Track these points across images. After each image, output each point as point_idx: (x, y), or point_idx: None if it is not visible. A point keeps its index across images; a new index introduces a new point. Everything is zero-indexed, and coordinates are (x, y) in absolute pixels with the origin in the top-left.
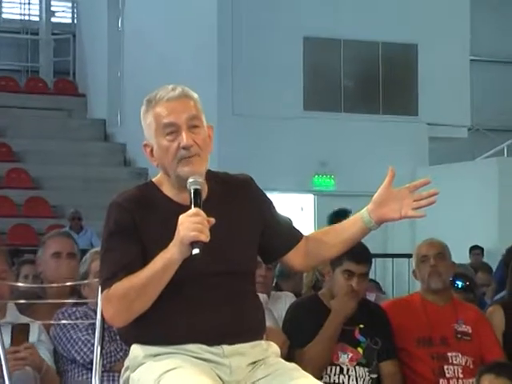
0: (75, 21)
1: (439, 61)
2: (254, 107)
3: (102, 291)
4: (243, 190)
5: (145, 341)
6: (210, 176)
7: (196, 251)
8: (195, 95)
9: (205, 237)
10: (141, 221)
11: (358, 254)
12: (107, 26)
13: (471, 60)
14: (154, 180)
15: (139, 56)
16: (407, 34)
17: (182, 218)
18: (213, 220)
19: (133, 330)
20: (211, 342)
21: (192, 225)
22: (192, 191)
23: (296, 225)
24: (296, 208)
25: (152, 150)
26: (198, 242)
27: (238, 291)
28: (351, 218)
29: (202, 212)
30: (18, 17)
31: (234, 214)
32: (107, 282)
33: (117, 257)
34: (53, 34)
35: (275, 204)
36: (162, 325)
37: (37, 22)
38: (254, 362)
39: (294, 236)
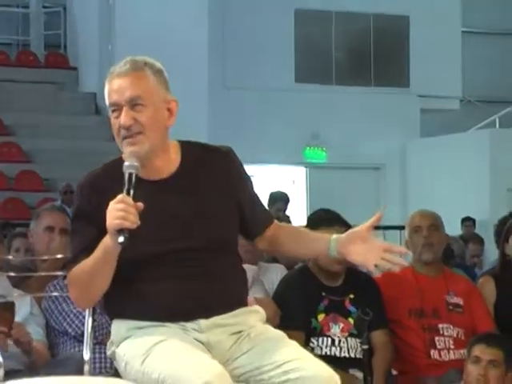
0: None
1: (431, 32)
2: (244, 80)
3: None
4: (222, 162)
5: (125, 316)
6: (186, 148)
7: (121, 239)
8: (152, 68)
9: (129, 223)
10: (99, 204)
11: (325, 218)
12: None
13: (462, 31)
14: (122, 155)
15: (130, 29)
16: (399, 5)
17: (110, 205)
18: (141, 205)
19: (112, 306)
20: (187, 317)
21: (116, 212)
22: (126, 176)
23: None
24: (287, 180)
25: None
26: (124, 229)
27: (212, 264)
28: (323, 236)
29: (127, 198)
30: None
31: (209, 186)
32: (68, 265)
33: (78, 240)
34: (43, 6)
35: (259, 178)
36: (140, 302)
37: None
38: (239, 332)
39: (267, 220)
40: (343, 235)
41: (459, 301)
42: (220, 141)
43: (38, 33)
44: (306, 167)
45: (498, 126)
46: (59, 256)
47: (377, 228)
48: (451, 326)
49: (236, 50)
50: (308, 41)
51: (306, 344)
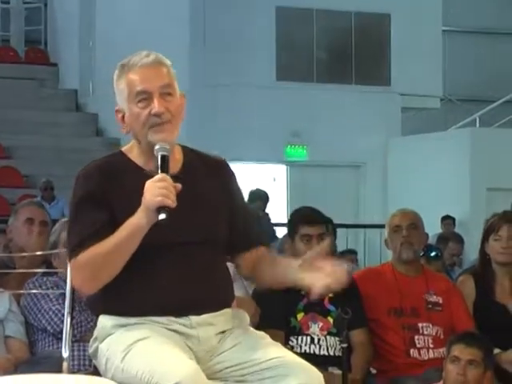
0: None
1: (412, 31)
2: (226, 77)
3: (69, 260)
4: (217, 170)
5: (112, 311)
6: (186, 151)
7: (162, 216)
8: (168, 62)
9: (171, 202)
10: (108, 190)
11: (310, 216)
12: None
13: (443, 30)
14: (122, 149)
15: (111, 25)
16: (380, 4)
17: (148, 183)
18: (179, 186)
19: (100, 300)
20: (179, 313)
21: (158, 190)
22: (159, 157)
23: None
24: (268, 178)
25: (123, 116)
26: (165, 207)
27: (206, 261)
28: (288, 264)
29: (168, 177)
30: None
31: (206, 189)
32: (75, 250)
33: (84, 226)
34: (24, 2)
35: (239, 176)
36: (129, 296)
37: None
38: (223, 332)
39: (255, 240)
40: (298, 264)
41: (439, 299)
42: (201, 138)
43: (19, 28)
44: (286, 165)
45: (478, 124)
46: (38, 253)
47: (358, 226)
48: (430, 325)
49: (217, 48)
50: (289, 38)
51: (285, 343)
